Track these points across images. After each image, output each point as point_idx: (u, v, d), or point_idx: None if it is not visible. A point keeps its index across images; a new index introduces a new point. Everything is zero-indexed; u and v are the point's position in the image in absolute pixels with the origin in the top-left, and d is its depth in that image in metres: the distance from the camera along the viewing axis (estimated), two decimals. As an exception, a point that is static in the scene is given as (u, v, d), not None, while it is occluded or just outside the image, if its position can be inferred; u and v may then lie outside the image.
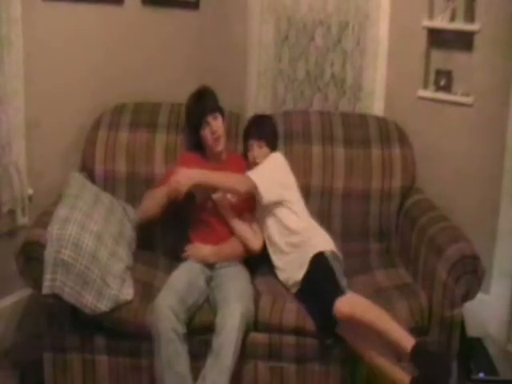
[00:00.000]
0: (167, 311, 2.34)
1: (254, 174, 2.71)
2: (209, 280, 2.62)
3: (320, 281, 2.49)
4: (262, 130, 2.92)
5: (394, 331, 2.30)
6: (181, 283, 2.51)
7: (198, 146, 2.89)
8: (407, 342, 2.26)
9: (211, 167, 2.76)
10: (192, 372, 2.37)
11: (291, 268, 2.64)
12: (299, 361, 2.49)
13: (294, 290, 2.62)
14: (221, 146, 2.82)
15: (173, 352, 2.33)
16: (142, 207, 2.78)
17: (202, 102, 2.82)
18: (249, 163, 2.87)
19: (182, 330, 2.36)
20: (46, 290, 2.32)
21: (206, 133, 2.79)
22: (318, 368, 2.49)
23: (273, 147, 2.91)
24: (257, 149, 2.85)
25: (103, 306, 2.40)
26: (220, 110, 2.85)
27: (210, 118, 2.78)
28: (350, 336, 2.39)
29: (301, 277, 2.58)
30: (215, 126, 2.78)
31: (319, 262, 2.56)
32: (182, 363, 2.35)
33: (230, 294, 2.45)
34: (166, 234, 2.93)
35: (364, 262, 2.90)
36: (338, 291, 2.39)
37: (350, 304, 2.35)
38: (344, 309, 2.33)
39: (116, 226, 2.67)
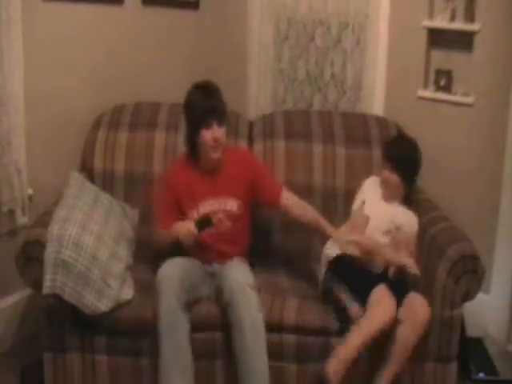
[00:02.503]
0: (173, 279, 2.37)
1: None
2: (211, 275, 2.62)
3: None
4: (399, 159, 2.75)
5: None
6: (183, 259, 2.54)
7: (192, 147, 2.69)
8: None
9: (205, 180, 2.66)
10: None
11: None
12: (299, 360, 2.49)
13: None
14: (218, 154, 2.62)
15: (174, 320, 2.34)
16: (155, 243, 2.73)
17: (211, 101, 2.59)
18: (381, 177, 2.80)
19: (184, 298, 2.37)
20: (46, 291, 2.31)
21: (207, 134, 2.58)
22: (318, 368, 2.49)
23: (409, 181, 2.79)
24: (387, 173, 2.75)
25: (103, 306, 2.40)
26: (225, 120, 2.65)
27: (215, 123, 2.58)
28: None
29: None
30: (218, 133, 2.59)
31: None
32: (182, 332, 2.36)
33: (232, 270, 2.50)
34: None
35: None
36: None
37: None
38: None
39: (116, 226, 2.67)
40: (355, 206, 2.82)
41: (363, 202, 2.77)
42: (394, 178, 2.74)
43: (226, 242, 2.64)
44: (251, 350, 2.35)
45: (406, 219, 2.74)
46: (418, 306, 2.43)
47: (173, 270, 2.44)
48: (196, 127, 2.60)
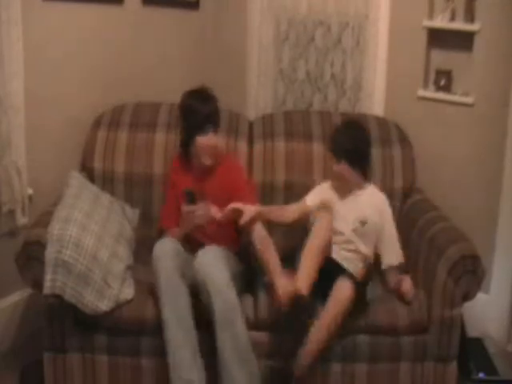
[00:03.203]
0: (168, 251, 2.41)
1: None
2: None
3: None
4: (339, 147, 2.69)
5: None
6: (175, 241, 2.54)
7: (186, 150, 2.74)
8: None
9: (195, 184, 2.66)
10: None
11: None
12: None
13: None
14: (210, 161, 2.67)
15: (174, 288, 2.37)
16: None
17: (209, 108, 2.64)
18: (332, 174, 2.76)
19: (181, 268, 2.40)
20: (46, 291, 2.31)
21: (203, 141, 2.64)
22: (318, 368, 2.49)
23: (361, 166, 2.72)
24: (336, 166, 2.70)
25: (104, 305, 2.40)
26: (219, 127, 2.71)
27: (211, 130, 2.64)
28: None
29: None
30: (214, 140, 2.65)
31: None
32: (183, 300, 2.38)
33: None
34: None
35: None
36: None
37: None
38: None
39: (116, 226, 2.67)
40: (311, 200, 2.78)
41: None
42: (340, 167, 2.68)
43: (213, 239, 2.65)
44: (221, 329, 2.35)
45: (370, 209, 2.70)
46: (341, 285, 2.46)
47: (167, 245, 2.47)
48: (192, 133, 2.65)
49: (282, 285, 2.40)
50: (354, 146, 2.70)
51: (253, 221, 2.52)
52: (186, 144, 2.72)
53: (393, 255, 2.68)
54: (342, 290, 2.45)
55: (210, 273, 2.38)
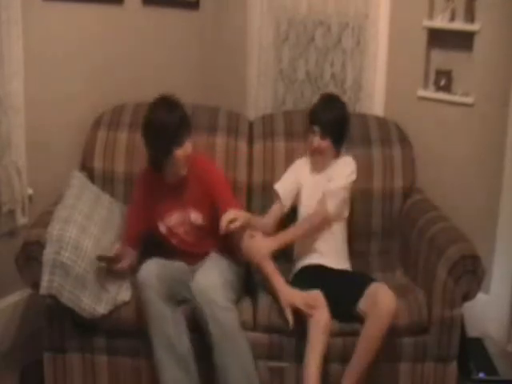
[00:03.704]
0: (150, 276, 2.38)
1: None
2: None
3: None
4: (327, 124, 2.70)
5: None
6: (160, 259, 2.52)
7: (156, 162, 2.58)
8: None
9: (170, 194, 2.61)
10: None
11: None
12: (299, 361, 2.48)
13: None
14: (186, 170, 2.56)
15: (160, 315, 2.36)
16: None
17: (180, 118, 2.50)
18: (309, 147, 2.78)
19: (164, 290, 2.38)
20: (43, 291, 2.30)
21: (180, 153, 2.50)
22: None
23: (340, 141, 2.77)
24: (318, 139, 2.70)
25: (102, 309, 2.40)
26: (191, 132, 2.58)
27: (186, 140, 2.51)
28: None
29: None
30: (189, 149, 2.53)
31: None
32: (170, 324, 2.36)
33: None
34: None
35: (365, 263, 2.90)
36: None
37: None
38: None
39: (115, 228, 2.67)
40: (283, 186, 2.81)
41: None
42: (325, 143, 2.71)
43: (193, 246, 2.66)
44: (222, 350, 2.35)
45: (337, 170, 2.74)
46: (381, 298, 2.36)
47: (149, 268, 2.43)
48: (168, 146, 2.49)
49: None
50: (341, 124, 2.75)
51: (243, 228, 2.50)
52: (161, 160, 2.54)
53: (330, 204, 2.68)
54: (386, 301, 2.34)
55: (208, 301, 2.34)
